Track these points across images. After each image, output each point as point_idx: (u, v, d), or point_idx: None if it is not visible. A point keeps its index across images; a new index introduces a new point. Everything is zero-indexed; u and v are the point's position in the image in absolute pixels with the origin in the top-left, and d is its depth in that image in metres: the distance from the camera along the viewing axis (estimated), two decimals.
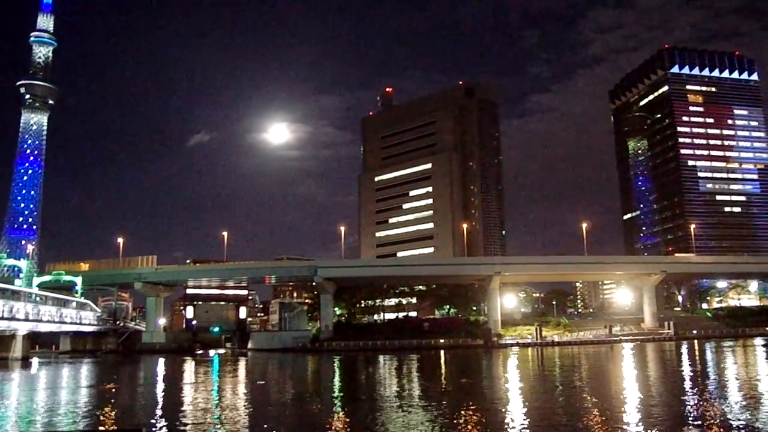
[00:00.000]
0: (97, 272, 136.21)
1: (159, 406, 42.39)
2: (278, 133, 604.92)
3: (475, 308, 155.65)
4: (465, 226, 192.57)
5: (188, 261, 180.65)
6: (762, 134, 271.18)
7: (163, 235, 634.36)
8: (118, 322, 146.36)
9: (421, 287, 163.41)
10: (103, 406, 40.46)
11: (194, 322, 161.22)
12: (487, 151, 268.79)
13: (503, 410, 35.58)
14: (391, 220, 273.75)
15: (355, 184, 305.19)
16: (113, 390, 52.05)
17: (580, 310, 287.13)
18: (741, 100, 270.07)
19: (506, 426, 30.05)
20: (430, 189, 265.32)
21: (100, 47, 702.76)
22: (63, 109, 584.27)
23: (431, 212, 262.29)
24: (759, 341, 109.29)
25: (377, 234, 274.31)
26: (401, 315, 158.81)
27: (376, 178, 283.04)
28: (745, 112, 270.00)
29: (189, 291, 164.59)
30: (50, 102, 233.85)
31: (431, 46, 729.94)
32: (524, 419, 32.14)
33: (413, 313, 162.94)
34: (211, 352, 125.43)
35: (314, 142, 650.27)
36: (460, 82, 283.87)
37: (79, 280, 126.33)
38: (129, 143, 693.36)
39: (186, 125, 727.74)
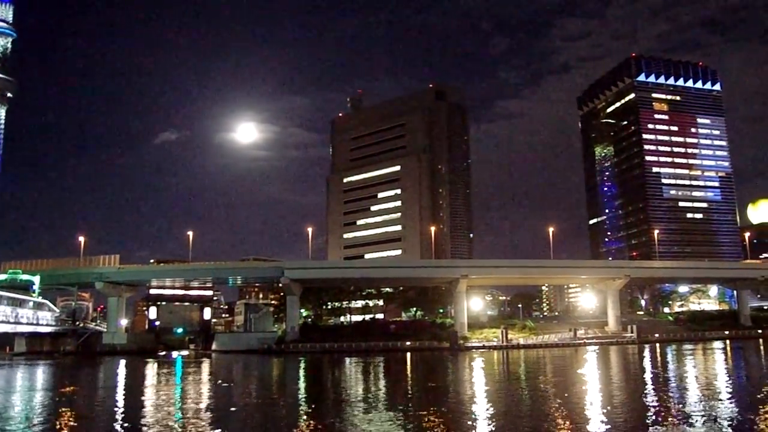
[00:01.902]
0: (57, 271, 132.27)
1: (119, 411, 40.99)
2: (246, 132, 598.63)
3: (441, 311, 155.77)
4: (433, 228, 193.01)
5: (152, 261, 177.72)
6: (723, 143, 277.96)
7: (126, 234, 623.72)
8: (77, 323, 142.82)
9: (388, 289, 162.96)
10: (61, 411, 39.01)
11: (157, 323, 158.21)
12: (456, 154, 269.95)
13: (466, 413, 35.27)
14: (359, 222, 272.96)
15: (323, 185, 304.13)
16: (72, 393, 50.34)
17: (545, 314, 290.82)
18: (704, 109, 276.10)
19: (469, 429, 29.75)
20: (398, 191, 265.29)
21: (63, 40, 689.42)
22: (22, 103, 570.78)
23: (399, 214, 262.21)
24: (718, 345, 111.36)
25: (345, 235, 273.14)
26: (368, 317, 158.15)
27: (345, 180, 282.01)
28: (708, 121, 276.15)
29: (152, 291, 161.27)
30: (8, 95, 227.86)
31: (402, 49, 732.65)
32: (487, 421, 31.89)
33: (380, 315, 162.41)
34: (174, 354, 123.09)
35: (283, 142, 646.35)
36: (431, 85, 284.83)
37: (36, 279, 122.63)
38: (92, 140, 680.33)
39: (153, 123, 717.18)
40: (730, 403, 38.21)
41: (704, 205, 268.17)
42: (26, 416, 37.29)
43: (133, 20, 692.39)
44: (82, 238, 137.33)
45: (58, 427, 32.76)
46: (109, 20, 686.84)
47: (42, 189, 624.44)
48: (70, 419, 35.76)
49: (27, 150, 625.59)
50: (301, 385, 61.01)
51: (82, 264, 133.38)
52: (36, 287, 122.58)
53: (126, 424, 33.66)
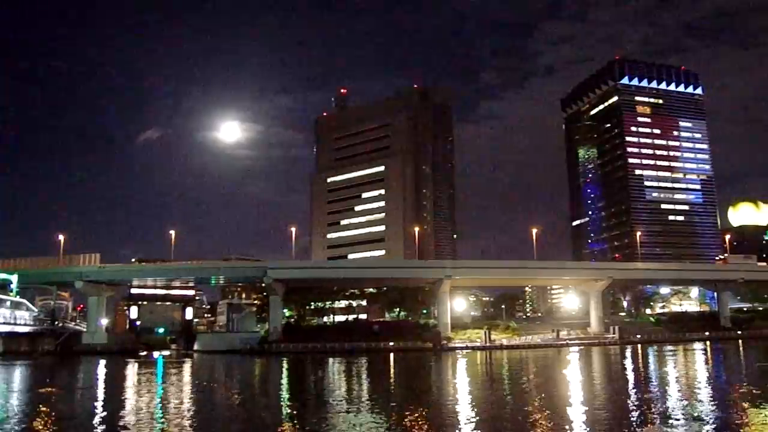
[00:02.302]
0: (36, 270, 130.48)
1: (99, 412, 40.32)
2: (230, 131, 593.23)
3: (425, 311, 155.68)
4: (417, 229, 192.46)
5: (133, 260, 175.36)
6: (705, 146, 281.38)
7: (108, 232, 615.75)
8: (56, 323, 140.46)
9: (371, 290, 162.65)
10: (40, 412, 38.27)
11: (138, 323, 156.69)
12: (440, 155, 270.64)
13: (448, 414, 35.15)
14: (343, 222, 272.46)
15: (306, 185, 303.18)
16: (50, 394, 49.47)
17: (528, 315, 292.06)
18: (686, 112, 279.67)
19: (451, 429, 29.61)
20: (382, 191, 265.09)
21: (42, 38, 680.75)
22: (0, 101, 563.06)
23: (383, 215, 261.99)
24: (698, 346, 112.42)
25: (328, 235, 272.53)
26: (351, 317, 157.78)
27: (329, 180, 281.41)
28: (689, 125, 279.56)
29: (133, 291, 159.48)
30: None
31: (387, 49, 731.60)
32: (469, 421, 31.77)
33: (363, 316, 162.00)
34: (155, 354, 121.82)
35: (266, 141, 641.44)
36: (415, 86, 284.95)
37: (14, 278, 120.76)
38: (73, 137, 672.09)
39: (135, 121, 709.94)
40: (709, 402, 38.67)
41: (686, 207, 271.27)
42: (1, 419, 36.52)
43: (115, 18, 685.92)
44: (61, 237, 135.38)
45: (35, 428, 32.13)
46: (90, 18, 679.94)
47: (21, 187, 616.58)
48: (49, 421, 35.10)
49: (5, 148, 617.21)
50: (284, 386, 60.57)
51: (62, 263, 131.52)
52: (14, 286, 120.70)
53: (105, 426, 33.11)
